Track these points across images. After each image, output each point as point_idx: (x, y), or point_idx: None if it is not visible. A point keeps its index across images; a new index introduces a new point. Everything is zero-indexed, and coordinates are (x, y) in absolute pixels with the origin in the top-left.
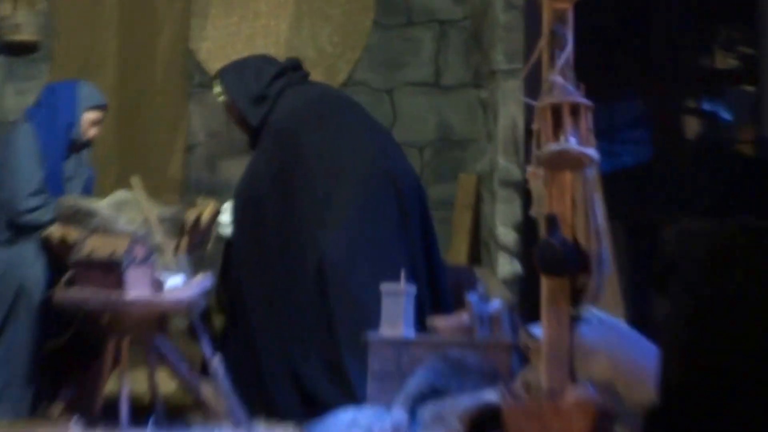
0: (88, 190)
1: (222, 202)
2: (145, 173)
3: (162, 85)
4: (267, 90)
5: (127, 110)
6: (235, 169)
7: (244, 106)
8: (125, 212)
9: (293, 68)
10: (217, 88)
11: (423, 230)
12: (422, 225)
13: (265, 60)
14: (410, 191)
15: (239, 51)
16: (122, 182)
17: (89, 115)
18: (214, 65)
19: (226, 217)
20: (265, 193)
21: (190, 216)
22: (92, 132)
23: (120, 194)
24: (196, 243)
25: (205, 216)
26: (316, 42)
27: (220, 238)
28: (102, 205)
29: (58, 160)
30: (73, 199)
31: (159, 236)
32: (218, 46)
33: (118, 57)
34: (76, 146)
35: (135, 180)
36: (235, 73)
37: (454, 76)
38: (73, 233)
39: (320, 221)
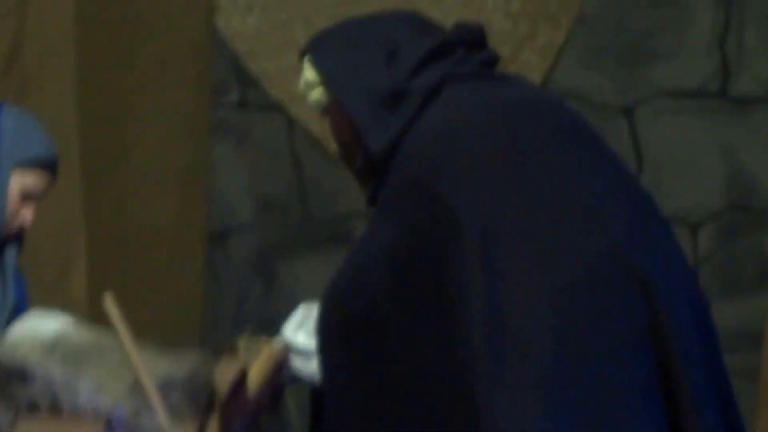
0: (15, 313)
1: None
2: (132, 287)
3: (164, 108)
4: (409, 83)
5: (96, 160)
6: (314, 273)
7: (360, 112)
8: (92, 368)
9: (468, 43)
10: (310, 74)
11: (711, 392)
12: (707, 382)
13: (407, 21)
14: (682, 314)
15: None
16: (90, 304)
17: (23, 180)
18: (265, 65)
19: (303, 337)
20: (388, 302)
21: (225, 375)
22: (27, 215)
23: (81, 335)
24: (237, 428)
25: (256, 374)
26: (479, 12)
27: (293, 380)
28: (45, 356)
29: None
30: None
31: (161, 417)
32: (274, 25)
33: (77, 51)
34: None
35: (109, 301)
36: (345, 45)
37: (758, 78)
38: None
39: (488, 367)
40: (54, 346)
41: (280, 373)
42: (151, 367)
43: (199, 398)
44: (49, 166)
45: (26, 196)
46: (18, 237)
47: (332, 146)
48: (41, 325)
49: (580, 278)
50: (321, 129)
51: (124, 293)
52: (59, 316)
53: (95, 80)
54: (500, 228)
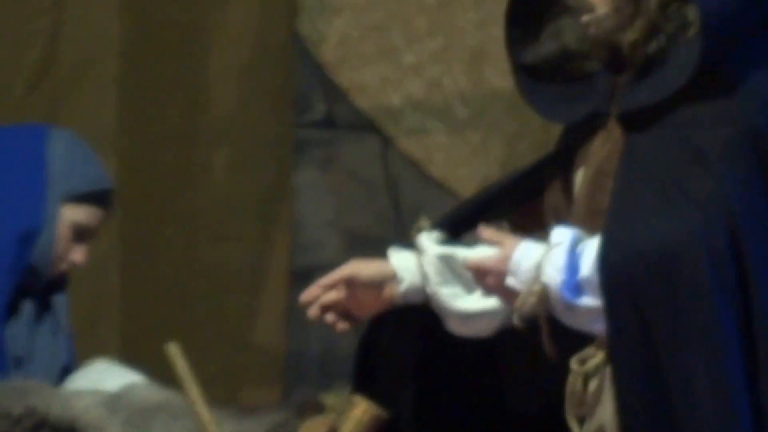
0: (63, 377)
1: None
2: (199, 335)
3: (237, 127)
4: None
5: (151, 187)
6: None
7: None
8: (158, 428)
9: None
10: None
11: None
12: None
13: None
14: None
15: (417, 38)
16: (149, 355)
17: (74, 215)
18: (356, 76)
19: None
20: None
21: None
22: (78, 255)
23: (148, 394)
24: None
25: None
26: None
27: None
28: (105, 414)
29: None
30: (35, 394)
31: None
32: (366, 29)
33: (122, 58)
34: (39, 285)
35: (174, 350)
36: None
37: None
38: None
39: None
40: (117, 405)
41: None
42: (224, 428)
43: None
44: (102, 200)
45: (78, 234)
46: (64, 283)
47: (435, 169)
48: (104, 380)
49: None
50: (420, 150)
51: (191, 347)
52: (125, 372)
53: (147, 94)
54: None
